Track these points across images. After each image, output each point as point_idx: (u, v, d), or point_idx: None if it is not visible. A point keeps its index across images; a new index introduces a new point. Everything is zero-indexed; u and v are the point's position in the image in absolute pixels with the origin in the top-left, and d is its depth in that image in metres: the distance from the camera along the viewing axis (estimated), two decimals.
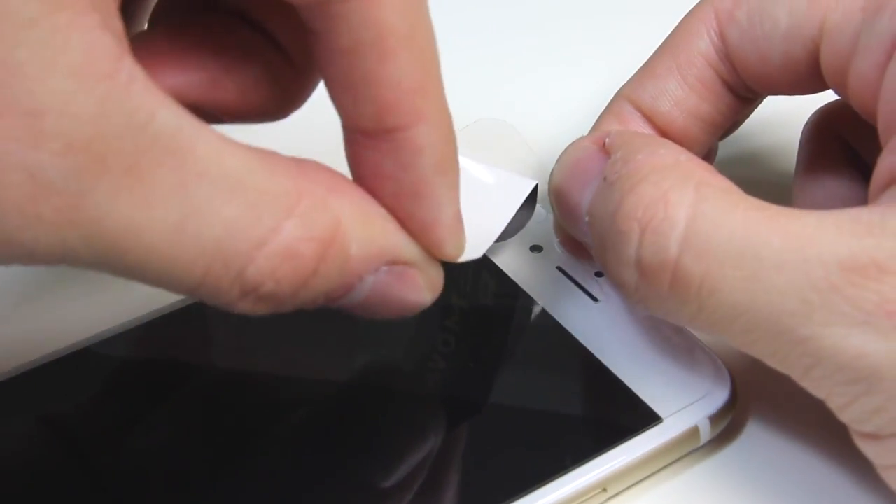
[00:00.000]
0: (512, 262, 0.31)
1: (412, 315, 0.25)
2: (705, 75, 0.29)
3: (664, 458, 0.27)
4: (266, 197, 0.21)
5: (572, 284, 0.30)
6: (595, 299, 0.30)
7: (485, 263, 0.31)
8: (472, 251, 0.26)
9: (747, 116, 0.32)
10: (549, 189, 0.29)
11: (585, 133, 0.30)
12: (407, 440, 0.27)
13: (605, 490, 0.26)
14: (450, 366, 0.29)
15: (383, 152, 0.23)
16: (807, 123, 0.31)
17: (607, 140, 0.27)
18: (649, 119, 0.29)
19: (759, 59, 0.28)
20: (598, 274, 0.30)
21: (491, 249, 0.31)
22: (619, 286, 0.26)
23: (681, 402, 0.27)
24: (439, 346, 0.29)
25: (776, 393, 0.28)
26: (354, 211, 0.22)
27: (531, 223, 0.32)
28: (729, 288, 0.23)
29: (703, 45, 0.29)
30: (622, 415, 0.27)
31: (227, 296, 0.21)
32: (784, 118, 0.32)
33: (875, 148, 0.25)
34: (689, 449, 0.27)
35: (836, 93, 0.27)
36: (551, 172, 0.29)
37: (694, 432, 0.27)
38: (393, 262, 0.23)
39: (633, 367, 0.28)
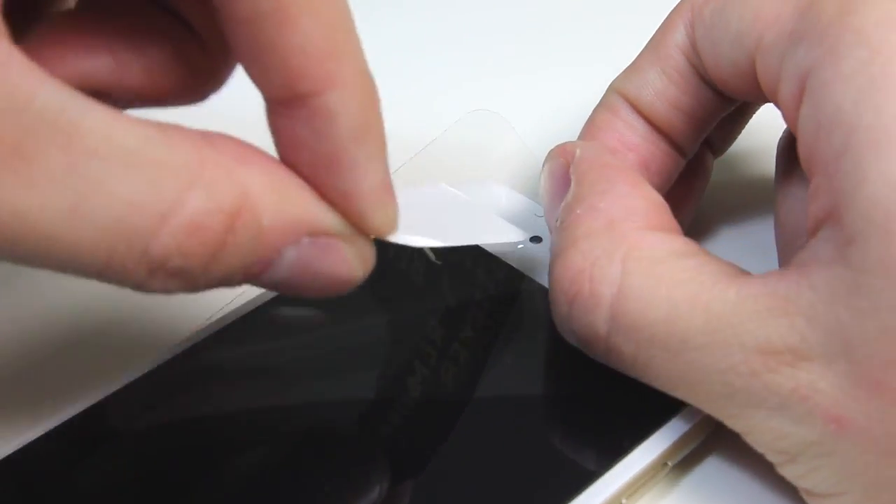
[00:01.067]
0: (515, 254, 0.31)
1: (344, 292, 0.24)
2: (682, 67, 0.29)
3: (709, 424, 0.27)
4: (165, 169, 0.20)
5: None
6: None
7: (490, 259, 0.31)
8: (417, 237, 0.25)
9: (741, 128, 0.32)
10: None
11: (579, 128, 0.31)
12: (456, 441, 0.27)
13: (666, 464, 0.26)
14: (484, 364, 0.29)
15: (298, 120, 0.22)
16: (781, 137, 0.31)
17: (571, 167, 0.28)
18: (637, 109, 0.30)
19: (714, 60, 0.28)
20: None
21: (490, 245, 0.32)
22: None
23: None
24: (466, 346, 0.29)
25: None
26: (265, 180, 0.22)
27: (529, 216, 0.33)
28: (658, 367, 0.25)
29: (680, 38, 0.29)
30: None
31: (136, 276, 0.20)
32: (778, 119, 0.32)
33: None
34: None
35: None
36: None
37: None
38: (314, 234, 0.23)
39: None
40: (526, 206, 0.33)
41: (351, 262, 0.23)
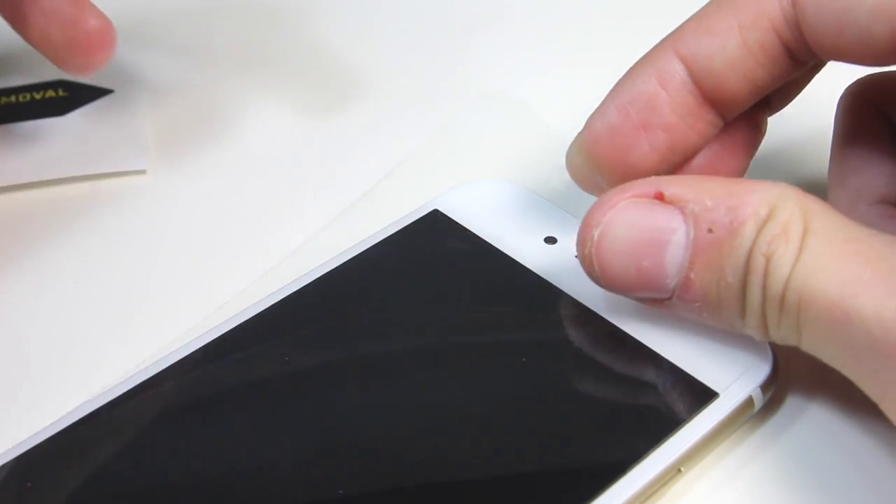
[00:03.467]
0: (531, 257, 0.31)
1: None
2: (767, 40, 0.27)
3: (727, 430, 0.27)
4: None
5: None
6: None
7: (505, 262, 0.31)
8: None
9: (804, 87, 0.31)
10: (595, 258, 0.27)
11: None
12: (470, 443, 0.27)
13: (680, 471, 0.26)
14: (497, 367, 0.29)
15: None
16: (843, 95, 0.31)
17: (670, 191, 0.26)
18: (697, 79, 0.28)
19: (836, 30, 0.26)
20: None
21: (504, 246, 0.31)
22: (742, 331, 0.26)
23: (731, 376, 0.27)
24: (482, 350, 0.29)
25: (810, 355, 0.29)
26: None
27: (542, 215, 0.32)
28: None
29: (771, 7, 0.27)
30: (680, 394, 0.27)
31: None
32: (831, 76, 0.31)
33: None
34: (746, 419, 0.28)
35: None
36: (584, 237, 0.27)
37: (749, 403, 0.27)
38: None
39: (677, 347, 0.28)
40: (539, 204, 0.33)
41: None
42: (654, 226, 0.26)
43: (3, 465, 0.26)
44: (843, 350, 0.24)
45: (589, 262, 0.27)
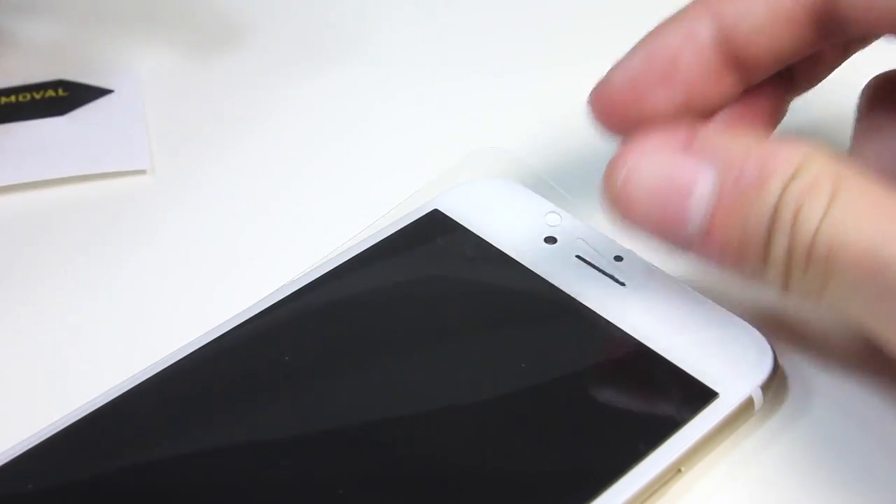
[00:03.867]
0: (531, 257, 0.31)
1: None
2: (796, 8, 0.28)
3: (727, 430, 0.27)
4: None
5: (595, 271, 0.30)
6: (622, 283, 0.30)
7: (505, 262, 0.31)
8: None
9: (830, 70, 0.31)
10: (619, 201, 0.27)
11: (588, 151, 0.31)
12: (470, 443, 0.27)
13: (680, 471, 0.26)
14: (497, 367, 0.28)
15: None
16: (866, 87, 0.31)
17: (699, 138, 0.26)
18: (722, 41, 0.28)
19: (866, 3, 0.26)
20: (618, 258, 0.31)
21: (504, 246, 0.31)
22: (761, 281, 0.26)
23: (731, 376, 0.27)
24: (482, 350, 0.29)
25: (811, 355, 0.29)
26: None
27: (543, 214, 0.32)
28: None
29: None
30: (680, 394, 0.27)
31: None
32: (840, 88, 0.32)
33: None
34: (746, 419, 0.27)
35: None
36: (610, 179, 0.27)
37: (749, 403, 0.27)
38: None
39: (677, 347, 0.28)
40: (538, 204, 0.33)
41: None
42: (680, 172, 0.26)
43: (3, 465, 0.26)
44: (873, 299, 0.24)
45: (613, 203, 0.27)
